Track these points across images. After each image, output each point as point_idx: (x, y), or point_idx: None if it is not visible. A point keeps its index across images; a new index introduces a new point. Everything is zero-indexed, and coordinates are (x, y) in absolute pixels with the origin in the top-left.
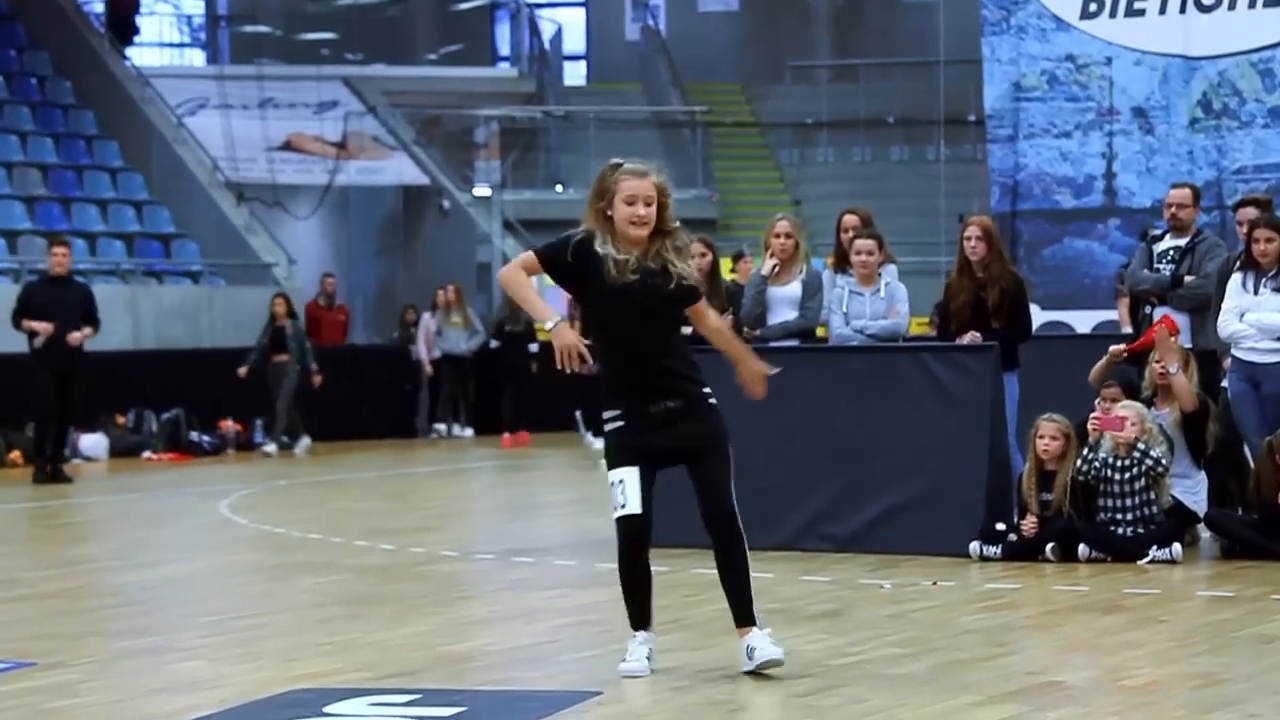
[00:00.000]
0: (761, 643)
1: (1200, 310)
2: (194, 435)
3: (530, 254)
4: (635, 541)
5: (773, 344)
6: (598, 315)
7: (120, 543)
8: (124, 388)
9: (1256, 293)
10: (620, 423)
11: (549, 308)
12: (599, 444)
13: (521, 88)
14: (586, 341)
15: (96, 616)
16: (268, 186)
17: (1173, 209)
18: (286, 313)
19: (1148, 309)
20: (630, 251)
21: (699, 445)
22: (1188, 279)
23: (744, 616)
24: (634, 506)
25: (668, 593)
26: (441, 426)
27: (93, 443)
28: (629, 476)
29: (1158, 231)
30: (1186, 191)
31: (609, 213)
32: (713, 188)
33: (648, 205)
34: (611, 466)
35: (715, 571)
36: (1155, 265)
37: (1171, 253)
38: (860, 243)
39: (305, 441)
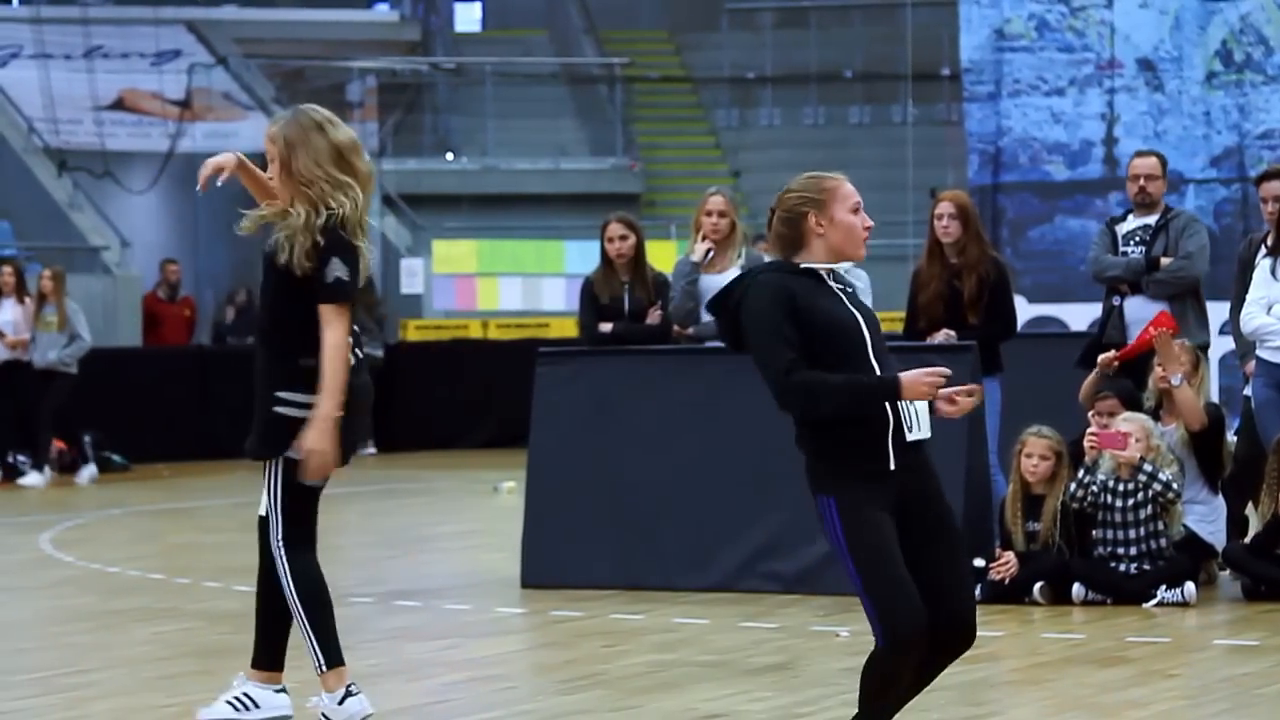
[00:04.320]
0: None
1: (1180, 298)
2: (10, 456)
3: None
4: None
5: (709, 344)
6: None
7: None
8: None
9: None
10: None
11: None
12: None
13: (403, 35)
14: None
15: None
16: (96, 154)
17: (1140, 181)
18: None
19: (1115, 300)
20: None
21: None
22: (1165, 260)
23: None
24: None
25: (580, 643)
26: None
27: None
28: None
29: (1118, 214)
30: (1154, 160)
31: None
32: (634, 155)
33: None
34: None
35: (636, 618)
36: (1121, 250)
37: (1139, 233)
38: None
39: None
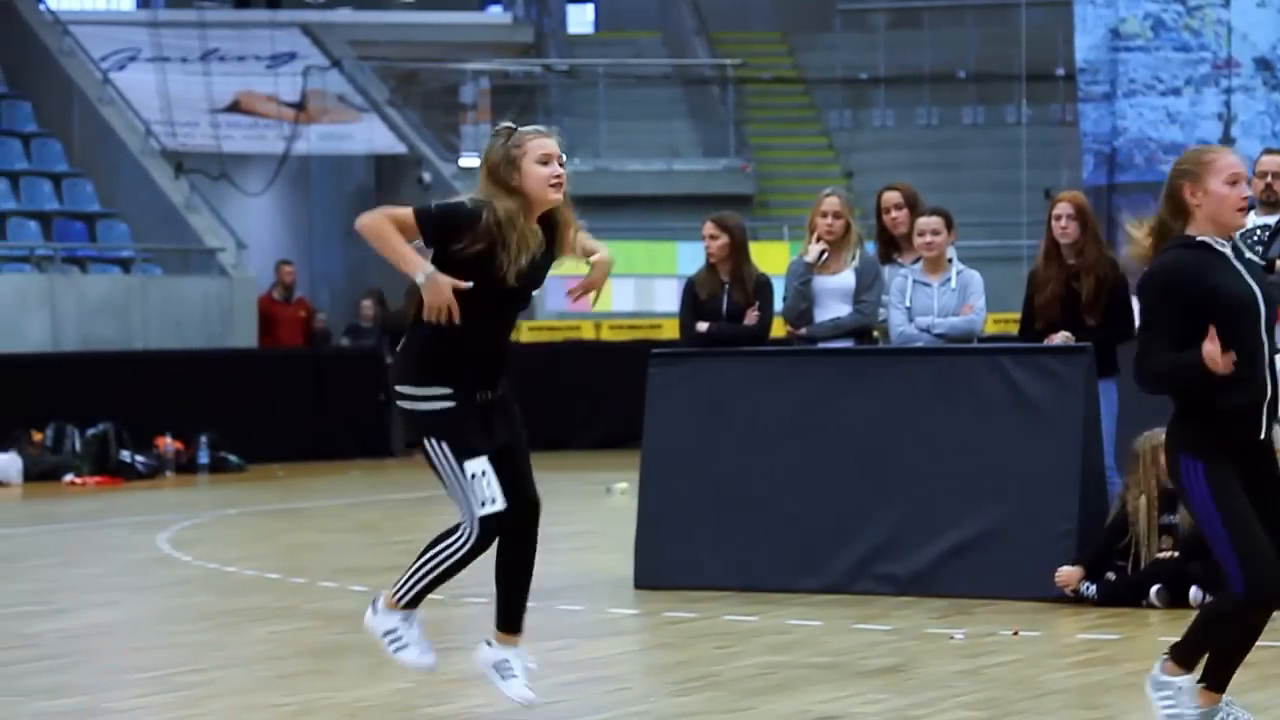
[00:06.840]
0: (522, 669)
1: None
2: (125, 455)
3: (405, 211)
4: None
5: (822, 344)
6: (474, 292)
7: (35, 583)
8: (41, 398)
9: None
10: (450, 403)
11: (419, 259)
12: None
13: (516, 37)
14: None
15: (7, 672)
16: (212, 156)
17: (1267, 178)
18: None
19: None
20: (533, 219)
21: (508, 438)
22: None
23: (516, 622)
24: (501, 502)
25: (693, 644)
26: None
27: (3, 464)
28: (489, 468)
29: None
30: None
31: (514, 182)
32: (747, 157)
33: (561, 164)
34: (461, 454)
35: (749, 620)
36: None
37: (1259, 232)
38: (924, 220)
39: None
